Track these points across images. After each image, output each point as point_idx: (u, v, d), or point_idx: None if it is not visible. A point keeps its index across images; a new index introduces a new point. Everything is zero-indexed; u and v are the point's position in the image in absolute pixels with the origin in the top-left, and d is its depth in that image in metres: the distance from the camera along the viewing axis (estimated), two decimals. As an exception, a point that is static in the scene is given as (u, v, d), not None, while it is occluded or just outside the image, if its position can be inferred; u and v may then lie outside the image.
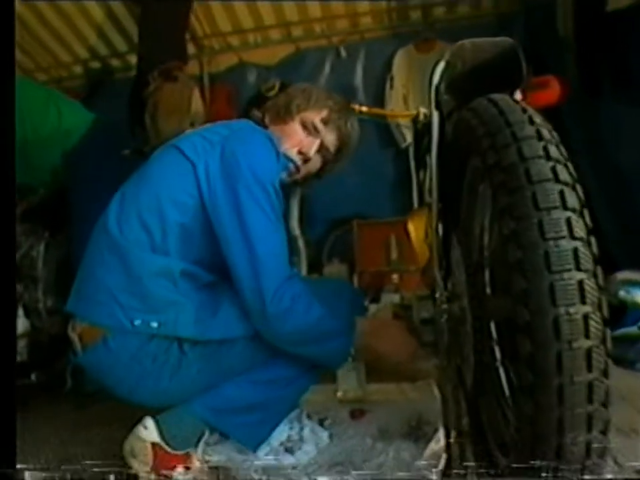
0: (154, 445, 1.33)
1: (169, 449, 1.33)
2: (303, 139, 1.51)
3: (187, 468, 1.34)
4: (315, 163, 1.55)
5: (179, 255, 1.30)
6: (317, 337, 1.32)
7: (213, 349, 1.32)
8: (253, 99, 4.26)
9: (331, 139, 1.54)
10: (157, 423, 1.35)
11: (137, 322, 1.27)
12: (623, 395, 1.72)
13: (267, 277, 1.24)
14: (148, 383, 1.32)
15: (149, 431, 1.34)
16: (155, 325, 1.28)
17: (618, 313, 2.25)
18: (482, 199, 1.12)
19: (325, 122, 1.51)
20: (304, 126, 1.51)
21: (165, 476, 1.31)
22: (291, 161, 1.49)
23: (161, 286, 1.28)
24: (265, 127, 1.50)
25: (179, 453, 1.35)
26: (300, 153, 1.51)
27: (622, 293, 2.32)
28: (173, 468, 1.33)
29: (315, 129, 1.51)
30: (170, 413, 1.37)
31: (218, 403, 1.38)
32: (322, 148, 1.53)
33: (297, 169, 1.52)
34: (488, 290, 1.13)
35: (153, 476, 1.31)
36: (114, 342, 1.29)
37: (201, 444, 1.41)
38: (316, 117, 1.51)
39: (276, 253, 1.27)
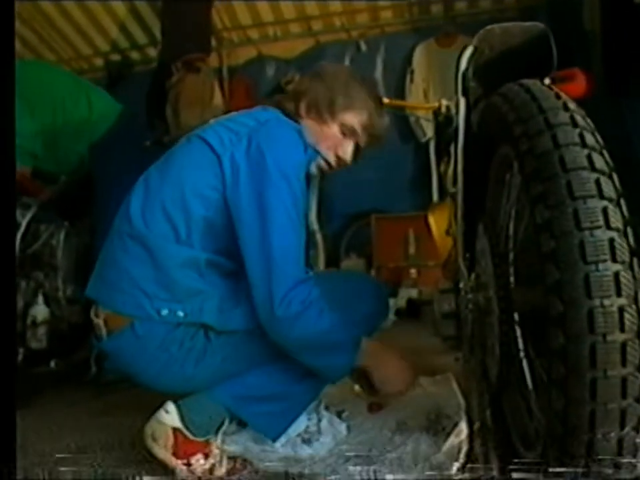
0: (175, 429, 1.32)
1: (189, 435, 1.32)
2: (340, 140, 1.47)
3: (206, 456, 1.33)
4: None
5: (202, 247, 1.29)
6: (322, 347, 1.29)
7: (237, 338, 1.32)
8: (273, 92, 4.28)
9: (365, 139, 1.50)
10: (179, 407, 1.34)
11: (164, 312, 1.27)
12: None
13: (278, 278, 1.21)
14: (174, 369, 1.31)
15: (170, 415, 1.33)
16: (181, 314, 1.28)
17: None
18: (509, 188, 1.10)
19: (364, 127, 1.47)
20: (342, 128, 1.46)
21: (185, 463, 1.31)
22: (326, 161, 1.47)
23: (187, 276, 1.28)
24: (297, 118, 1.44)
25: (199, 439, 1.34)
26: (337, 156, 1.48)
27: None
28: (193, 455, 1.32)
29: (353, 132, 1.47)
30: (192, 398, 1.36)
31: (240, 390, 1.37)
32: (356, 148, 1.51)
33: (330, 166, 1.50)
34: (512, 280, 1.12)
35: (172, 461, 1.30)
36: (142, 328, 1.29)
37: (220, 433, 1.40)
38: (355, 119, 1.46)
39: (291, 255, 1.24)
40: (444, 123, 1.98)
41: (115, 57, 4.68)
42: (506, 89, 0.97)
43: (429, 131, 3.76)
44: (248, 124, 1.32)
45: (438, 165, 2.25)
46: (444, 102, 2.00)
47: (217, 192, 1.28)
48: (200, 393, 1.36)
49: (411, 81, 4.11)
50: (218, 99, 3.45)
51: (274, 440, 1.43)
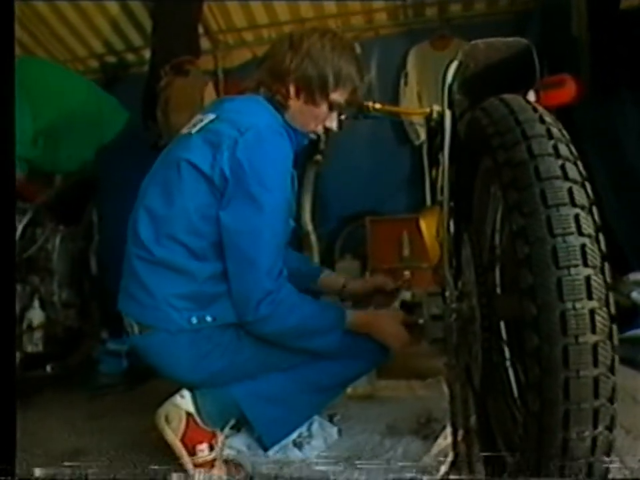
0: (188, 414, 1.37)
1: (200, 422, 1.37)
2: (327, 115, 1.49)
3: (211, 447, 1.37)
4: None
5: (218, 259, 1.36)
6: (302, 335, 1.38)
7: (263, 340, 1.38)
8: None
9: (349, 107, 1.55)
10: (193, 395, 1.39)
11: (194, 320, 1.35)
12: (634, 396, 1.72)
13: (250, 288, 1.31)
14: (202, 364, 1.38)
15: (185, 400, 1.38)
16: (209, 319, 1.36)
17: (630, 314, 2.24)
18: (494, 200, 1.12)
19: (349, 102, 1.50)
20: (330, 106, 1.48)
21: (189, 451, 1.34)
22: (316, 134, 1.54)
23: (211, 285, 1.36)
24: (286, 101, 1.45)
25: (208, 429, 1.38)
26: (325, 129, 1.52)
27: (634, 295, 2.30)
28: (199, 443, 1.35)
29: (340, 106, 1.49)
30: (207, 389, 1.41)
31: (253, 389, 1.42)
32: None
33: (319, 136, 1.56)
34: (498, 290, 1.14)
35: (179, 446, 1.34)
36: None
37: (225, 431, 1.44)
38: (343, 96, 1.47)
39: (263, 265, 1.31)
40: (435, 128, 2.00)
41: (110, 59, 4.68)
42: (487, 103, 1.00)
43: (423, 134, 3.78)
44: (229, 134, 1.33)
45: (430, 169, 2.27)
46: (435, 108, 2.02)
47: (216, 209, 1.34)
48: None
49: (405, 83, 4.10)
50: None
51: (268, 448, 1.47)
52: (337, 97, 1.46)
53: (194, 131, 1.41)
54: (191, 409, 1.37)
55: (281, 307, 1.33)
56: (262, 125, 1.35)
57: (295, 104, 1.45)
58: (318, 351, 1.43)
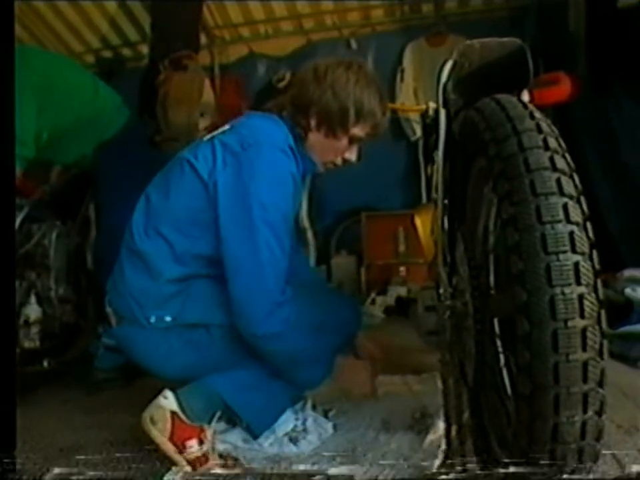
0: (173, 413, 1.37)
1: (185, 419, 1.38)
2: (347, 148, 1.51)
3: (200, 442, 1.38)
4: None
5: (195, 264, 1.41)
6: (300, 363, 1.42)
7: (235, 333, 1.39)
8: (265, 90, 4.29)
9: (368, 139, 1.54)
10: (176, 394, 1.40)
11: (152, 319, 1.41)
12: (625, 392, 1.73)
13: (260, 299, 1.32)
14: (174, 359, 1.43)
15: (168, 400, 1.39)
16: (168, 319, 1.40)
17: (623, 310, 2.26)
18: (487, 202, 1.14)
19: (369, 135, 1.50)
20: (351, 140, 1.49)
21: (178, 449, 1.35)
22: (334, 164, 1.55)
23: (174, 287, 1.41)
24: (306, 132, 1.47)
25: (195, 425, 1.39)
26: (344, 160, 1.53)
27: (628, 291, 2.32)
28: (188, 439, 1.36)
29: (360, 140, 1.50)
30: (189, 386, 1.43)
31: (234, 379, 1.44)
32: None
33: (336, 165, 1.56)
34: (492, 289, 1.15)
35: (167, 445, 1.35)
36: None
37: (213, 423, 1.45)
38: (364, 130, 1.48)
39: (272, 278, 1.32)
40: (431, 125, 2.00)
41: (106, 54, 4.67)
42: (480, 102, 1.02)
43: (419, 130, 3.79)
44: (233, 149, 1.36)
45: (426, 166, 2.28)
46: (431, 104, 2.02)
47: (208, 214, 1.37)
48: (196, 380, 1.43)
49: (401, 79, 4.12)
50: (209, 96, 3.45)
51: (257, 435, 1.49)
52: (358, 131, 1.47)
53: (206, 137, 1.46)
54: (175, 407, 1.38)
55: (293, 329, 1.35)
56: (266, 142, 1.37)
57: (315, 136, 1.47)
58: (302, 383, 1.49)
